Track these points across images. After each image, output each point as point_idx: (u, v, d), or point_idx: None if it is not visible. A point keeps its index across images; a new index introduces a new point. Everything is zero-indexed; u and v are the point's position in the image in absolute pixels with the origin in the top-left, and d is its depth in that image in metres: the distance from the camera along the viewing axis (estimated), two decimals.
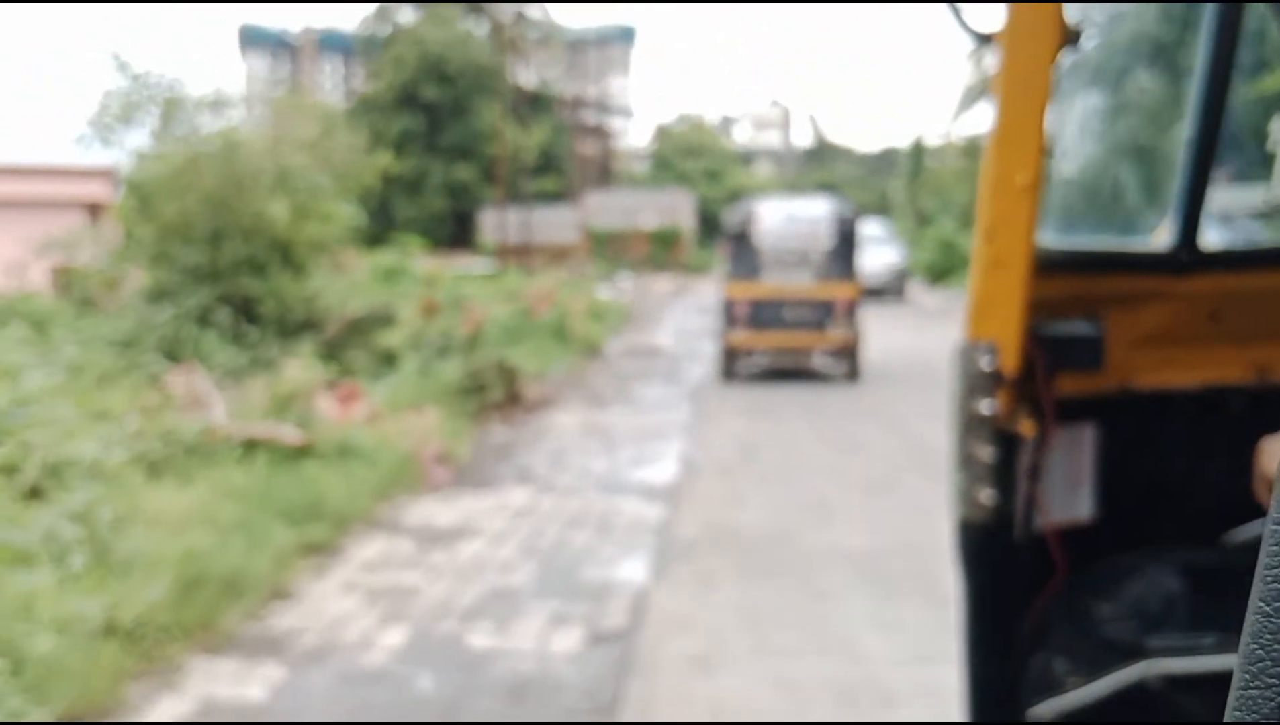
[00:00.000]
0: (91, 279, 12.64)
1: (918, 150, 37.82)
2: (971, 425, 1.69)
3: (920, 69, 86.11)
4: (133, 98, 12.13)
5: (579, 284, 23.34)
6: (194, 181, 11.88)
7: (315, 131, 13.04)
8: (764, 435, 8.74)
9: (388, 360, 10.06)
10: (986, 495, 1.68)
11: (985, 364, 1.66)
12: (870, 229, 22.91)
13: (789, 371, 12.12)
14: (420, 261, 19.67)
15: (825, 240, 11.47)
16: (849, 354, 11.64)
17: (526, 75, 40.15)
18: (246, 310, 11.62)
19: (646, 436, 8.56)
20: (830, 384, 11.72)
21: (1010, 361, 1.67)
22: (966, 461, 1.70)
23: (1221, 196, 2.13)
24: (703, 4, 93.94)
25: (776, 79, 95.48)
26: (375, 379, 9.24)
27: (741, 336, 11.59)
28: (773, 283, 11.41)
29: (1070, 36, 1.63)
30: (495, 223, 32.80)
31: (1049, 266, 1.78)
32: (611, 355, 14.35)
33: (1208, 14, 1.85)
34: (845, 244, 11.58)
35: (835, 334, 11.46)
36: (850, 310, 11.40)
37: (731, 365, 11.84)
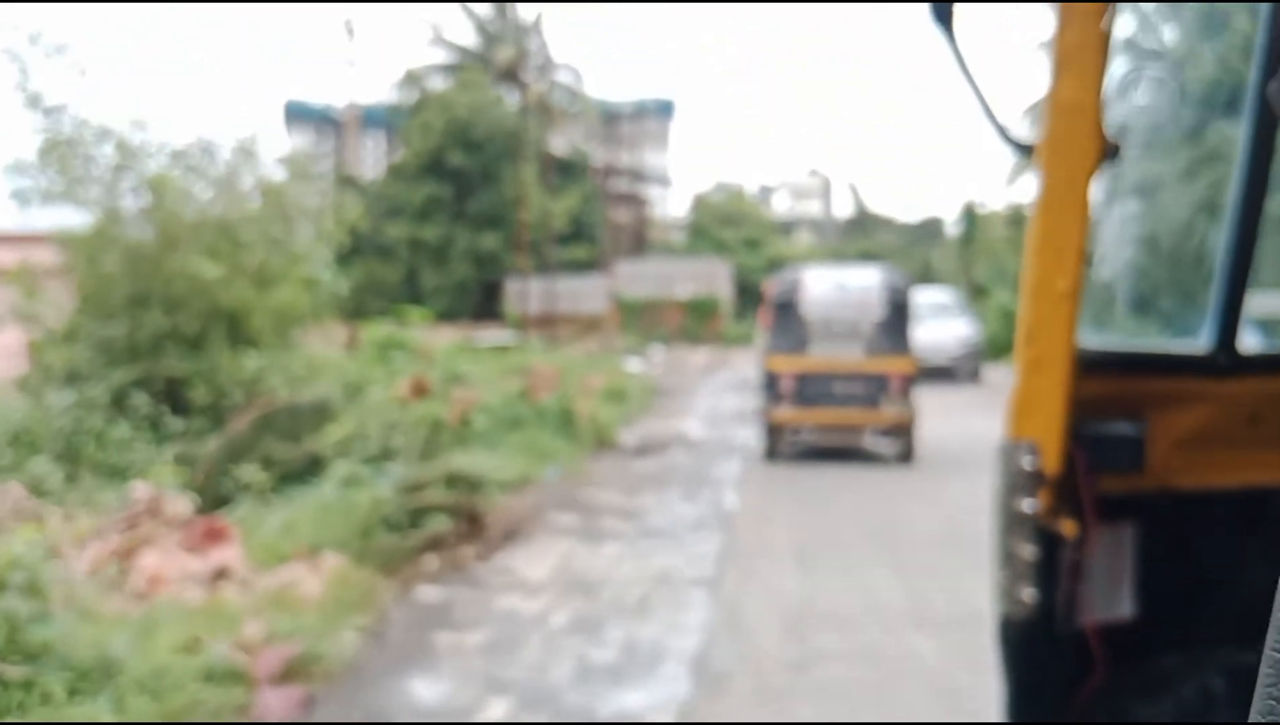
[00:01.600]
0: (46, 353, 10.76)
1: (970, 216, 35.86)
2: (1014, 523, 1.68)
3: (961, 137, 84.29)
4: (50, 137, 10.12)
5: (603, 358, 21.26)
6: (114, 238, 9.91)
7: (272, 179, 10.91)
8: (828, 600, 5.89)
9: (316, 466, 7.58)
10: (1028, 593, 1.67)
11: (1027, 463, 1.67)
12: (935, 297, 20.47)
13: (840, 452, 10.85)
14: (428, 334, 17.58)
15: (877, 311, 10.65)
16: (904, 433, 10.63)
17: (557, 142, 38.95)
18: (170, 395, 9.54)
19: (649, 601, 5.83)
20: (907, 497, 9.13)
21: (1052, 461, 1.68)
22: (1009, 559, 1.69)
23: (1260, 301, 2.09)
24: (739, 65, 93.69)
25: (816, 148, 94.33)
26: (284, 497, 6.77)
27: (787, 413, 10.63)
28: (821, 356, 10.55)
29: (1110, 150, 1.64)
30: (521, 292, 31.15)
31: (1091, 366, 1.79)
32: (626, 448, 11.79)
33: (1246, 116, 1.86)
34: (898, 315, 10.71)
35: (889, 412, 10.51)
36: (905, 387, 10.49)
37: (775, 444, 10.88)
